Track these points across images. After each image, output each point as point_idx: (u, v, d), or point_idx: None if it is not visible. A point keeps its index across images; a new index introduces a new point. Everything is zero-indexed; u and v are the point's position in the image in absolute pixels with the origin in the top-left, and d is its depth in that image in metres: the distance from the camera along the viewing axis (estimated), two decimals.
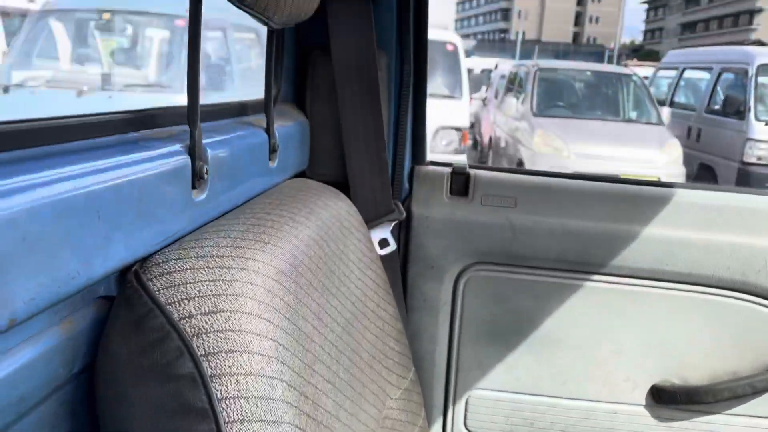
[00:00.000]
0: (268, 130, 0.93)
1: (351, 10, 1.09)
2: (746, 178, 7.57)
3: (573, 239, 1.20)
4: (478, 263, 1.25)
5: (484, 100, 12.90)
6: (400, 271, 1.24)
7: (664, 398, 1.19)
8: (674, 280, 1.18)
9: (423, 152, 1.32)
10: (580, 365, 1.23)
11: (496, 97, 11.08)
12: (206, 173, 0.71)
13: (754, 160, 7.54)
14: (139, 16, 5.60)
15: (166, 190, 0.65)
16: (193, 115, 0.68)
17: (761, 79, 7.81)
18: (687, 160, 7.85)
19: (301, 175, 1.14)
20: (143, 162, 0.62)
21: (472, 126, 13.97)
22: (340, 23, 1.09)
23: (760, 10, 52.49)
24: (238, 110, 0.97)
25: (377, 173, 1.15)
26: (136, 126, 0.70)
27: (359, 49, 1.10)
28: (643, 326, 1.20)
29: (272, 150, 0.94)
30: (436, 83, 7.06)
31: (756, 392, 1.15)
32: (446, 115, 6.58)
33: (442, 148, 6.59)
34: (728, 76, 8.50)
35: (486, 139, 10.99)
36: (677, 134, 8.46)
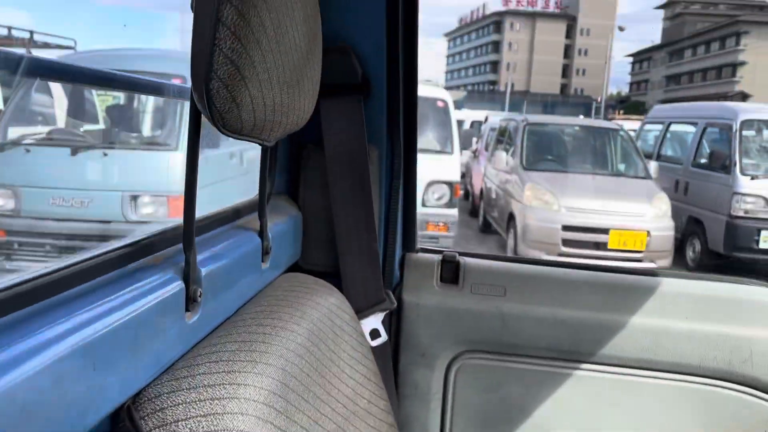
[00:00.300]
0: (262, 233, 0.95)
1: (343, 107, 1.14)
2: (734, 231, 7.67)
3: (562, 328, 1.21)
4: (469, 351, 1.26)
5: (474, 152, 13.09)
6: (392, 359, 1.25)
7: None
8: (662, 369, 1.19)
9: (414, 239, 1.34)
10: None
11: (486, 149, 11.25)
12: (200, 296, 0.72)
13: (741, 214, 7.66)
14: (137, 74, 5.69)
15: (161, 321, 0.66)
16: (189, 240, 0.69)
17: (745, 133, 8.00)
18: (676, 213, 7.95)
19: (294, 266, 1.17)
20: (138, 299, 0.63)
21: (463, 176, 14.15)
22: (332, 120, 1.14)
23: (742, 63, 54.03)
24: (233, 215, 1.00)
25: (368, 263, 1.17)
26: (130, 259, 0.71)
27: (350, 144, 1.14)
28: (633, 415, 1.21)
29: (265, 252, 0.96)
30: (427, 138, 7.18)
31: None
32: (437, 169, 6.67)
33: (433, 201, 6.65)
34: (713, 131, 8.70)
35: (477, 191, 11.11)
36: (665, 187, 8.59)
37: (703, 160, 8.71)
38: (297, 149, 1.20)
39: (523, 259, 1.38)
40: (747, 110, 8.68)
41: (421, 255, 1.33)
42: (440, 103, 7.14)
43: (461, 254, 1.32)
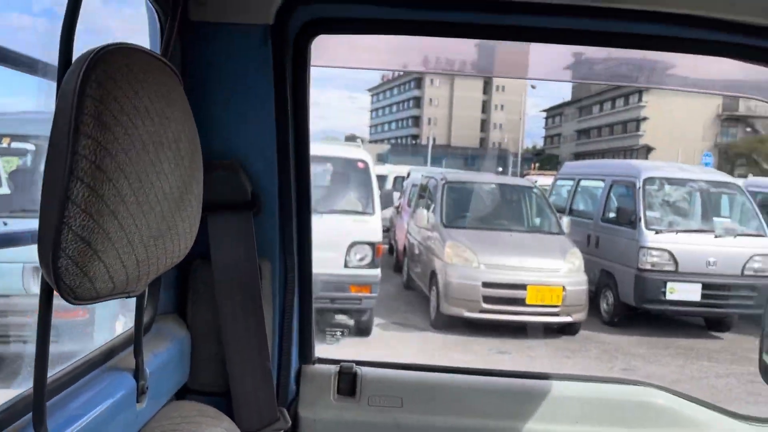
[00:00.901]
0: (137, 373, 0.91)
1: (231, 223, 1.13)
2: (643, 284, 8.07)
3: None
4: None
5: (397, 208, 13.29)
6: None
7: None
8: None
9: (310, 351, 1.33)
10: None
11: (409, 204, 11.45)
12: None
13: (648, 267, 8.09)
14: (43, 141, 5.47)
15: None
16: (39, 415, 0.64)
17: (648, 189, 8.54)
18: (589, 267, 8.31)
19: (182, 389, 1.12)
20: None
21: (387, 231, 14.27)
22: (220, 236, 1.12)
23: (644, 119, 58.07)
24: (105, 356, 0.95)
25: (261, 381, 1.14)
26: None
27: (240, 260, 1.12)
28: None
29: (141, 392, 0.92)
30: (349, 199, 7.25)
31: None
32: (359, 230, 6.73)
33: (356, 262, 6.67)
34: (619, 188, 9.24)
35: (401, 246, 11.24)
36: (578, 240, 8.98)
37: (611, 215, 9.19)
38: (185, 264, 1.15)
39: (421, 366, 1.39)
40: (649, 168, 9.29)
41: (318, 366, 1.32)
42: (360, 164, 7.26)
43: (358, 363, 1.32)
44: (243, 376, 1.13)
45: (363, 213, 6.93)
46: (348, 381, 1.28)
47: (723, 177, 9.98)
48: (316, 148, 8.64)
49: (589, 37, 1.20)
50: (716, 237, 8.14)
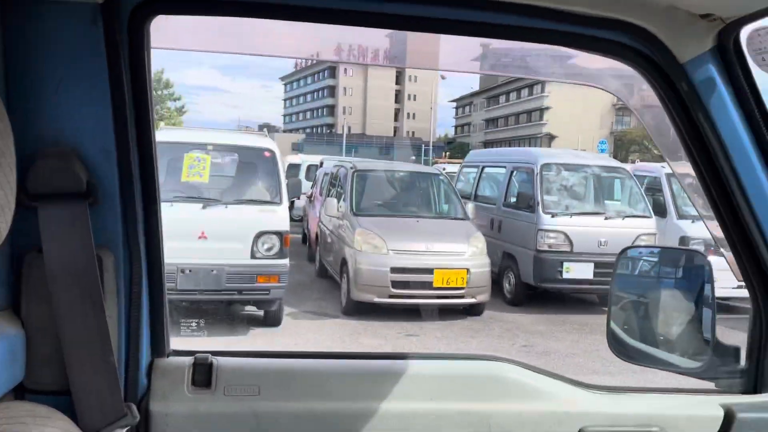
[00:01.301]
0: None
1: (65, 214, 1.06)
2: (541, 264, 8.54)
3: (316, 422, 1.24)
4: None
5: (310, 197, 13.28)
6: None
7: None
8: None
9: (163, 343, 1.28)
10: None
11: (321, 194, 11.50)
12: None
13: (546, 248, 8.56)
14: None
15: None
16: None
17: (545, 175, 9.00)
18: (492, 250, 8.67)
19: (18, 387, 1.08)
20: None
21: (300, 221, 14.23)
22: (52, 226, 1.06)
23: (547, 108, 60.51)
24: None
25: (104, 377, 1.09)
26: None
27: (75, 253, 1.06)
28: None
29: None
30: (256, 188, 7.21)
31: None
32: (266, 220, 6.70)
33: (263, 253, 6.65)
34: (519, 174, 9.69)
35: (313, 235, 11.26)
36: (482, 225, 9.35)
37: (512, 200, 9.63)
38: (18, 256, 1.09)
39: (279, 353, 1.39)
40: (546, 155, 9.80)
41: (171, 359, 1.28)
42: (267, 153, 7.22)
43: (214, 354, 1.29)
44: (83, 372, 1.07)
45: (270, 203, 6.91)
46: (203, 372, 1.25)
47: (613, 162, 10.68)
48: (221, 137, 8.43)
49: (489, 29, 1.19)
50: (606, 219, 8.73)
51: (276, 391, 1.25)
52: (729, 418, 1.27)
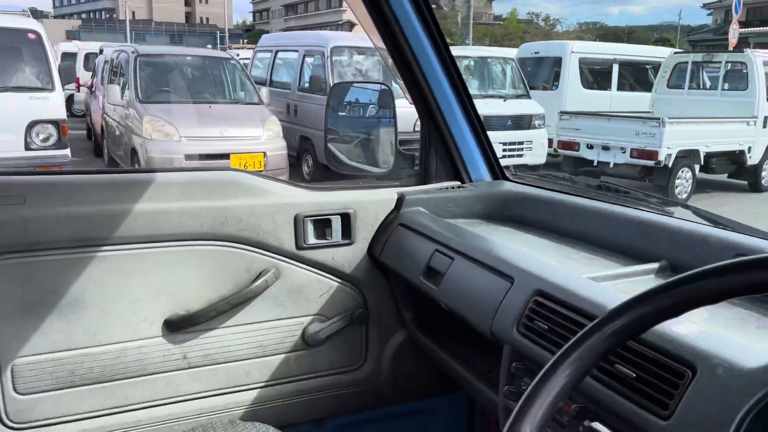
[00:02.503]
0: None
1: None
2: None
3: (79, 222, 1.42)
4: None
5: (90, 88, 12.20)
6: None
7: (175, 327, 1.55)
8: (165, 240, 1.51)
9: None
10: (107, 318, 1.49)
11: (102, 83, 10.62)
12: None
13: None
14: None
15: None
16: None
17: (336, 59, 9.22)
18: (290, 134, 8.86)
19: None
20: None
21: (83, 115, 13.09)
22: None
23: None
24: None
25: None
26: None
27: None
28: (150, 277, 1.52)
29: None
30: (23, 75, 6.52)
31: (233, 307, 1.58)
32: (39, 108, 6.17)
33: (39, 144, 6.18)
34: (311, 58, 9.79)
35: (98, 128, 10.50)
36: (279, 111, 9.45)
37: (306, 84, 9.77)
38: None
39: (45, 172, 1.52)
40: (336, 38, 9.96)
41: None
42: (31, 35, 6.50)
43: None
44: None
45: (41, 89, 6.33)
46: None
47: None
48: None
49: None
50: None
51: (41, 199, 1.40)
52: (401, 199, 1.72)
